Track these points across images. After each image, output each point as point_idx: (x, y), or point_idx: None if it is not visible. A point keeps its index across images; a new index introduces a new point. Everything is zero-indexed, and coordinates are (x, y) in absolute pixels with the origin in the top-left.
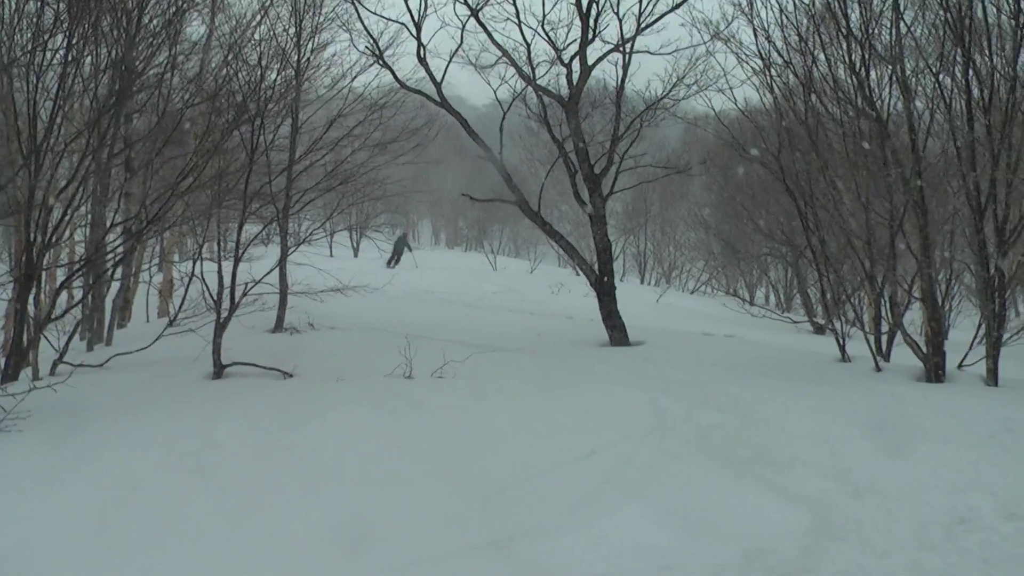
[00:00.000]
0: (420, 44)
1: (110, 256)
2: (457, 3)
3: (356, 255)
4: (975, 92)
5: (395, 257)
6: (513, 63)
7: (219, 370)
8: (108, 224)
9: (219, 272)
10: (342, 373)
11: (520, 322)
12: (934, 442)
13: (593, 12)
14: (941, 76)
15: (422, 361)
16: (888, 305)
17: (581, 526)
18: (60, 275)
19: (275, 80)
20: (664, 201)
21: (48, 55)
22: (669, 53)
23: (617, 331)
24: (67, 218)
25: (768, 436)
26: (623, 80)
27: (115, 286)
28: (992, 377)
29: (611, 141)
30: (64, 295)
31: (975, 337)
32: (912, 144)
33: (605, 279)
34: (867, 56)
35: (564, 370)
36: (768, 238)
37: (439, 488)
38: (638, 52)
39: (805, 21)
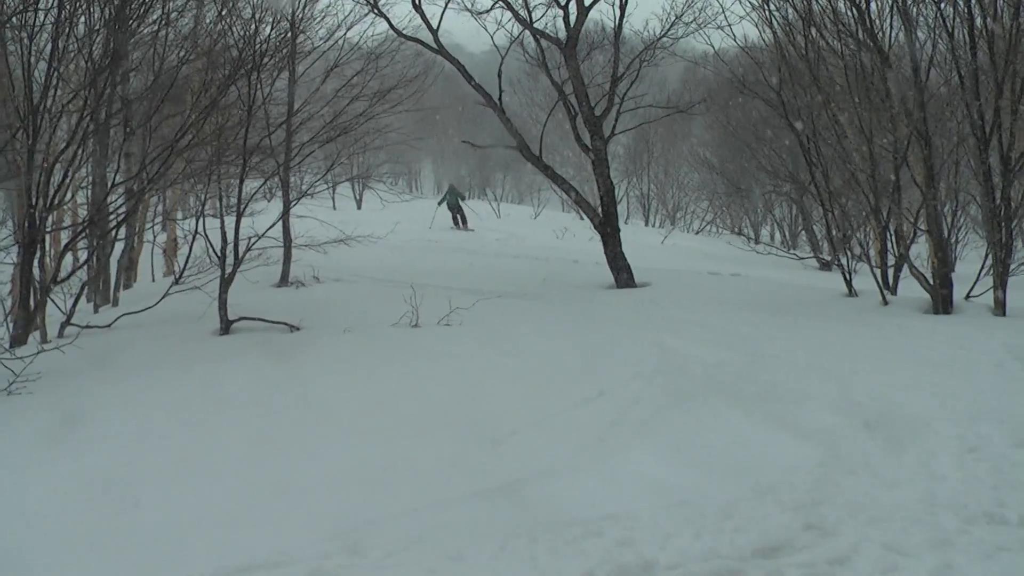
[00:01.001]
0: None
1: (113, 216)
2: None
3: (359, 207)
4: (977, 20)
5: (457, 218)
6: (509, 7)
7: (226, 326)
8: (109, 184)
9: (222, 228)
10: (349, 324)
11: (525, 267)
12: (943, 373)
13: None
14: (943, 5)
15: (428, 309)
16: (894, 238)
17: (592, 466)
18: (64, 237)
19: (270, 34)
20: (666, 142)
21: (40, 15)
22: None
23: (623, 273)
24: (68, 180)
25: (777, 373)
26: (621, 20)
27: (119, 246)
28: (1000, 307)
29: (611, 82)
30: (69, 257)
31: (982, 268)
32: (915, 75)
33: (609, 222)
34: None
35: (570, 313)
36: (772, 175)
37: (449, 434)
38: None
39: None
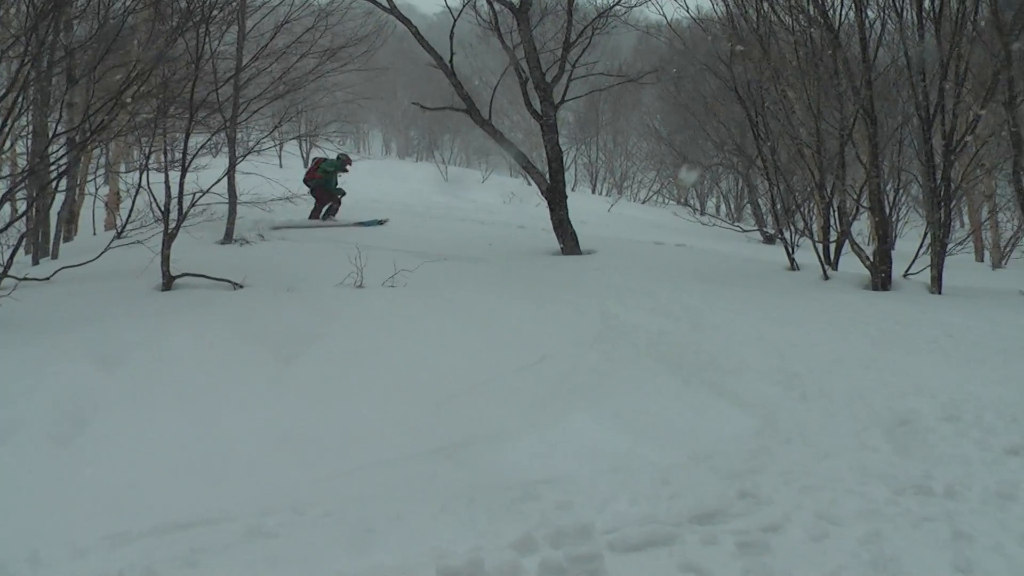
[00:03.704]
0: None
1: (53, 167)
2: None
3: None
4: (926, 2)
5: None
6: None
7: (168, 281)
8: (51, 134)
9: (166, 182)
10: (292, 283)
11: (471, 231)
12: (879, 348)
13: None
14: None
15: (373, 271)
16: (837, 214)
17: (532, 431)
18: (2, 187)
19: None
20: (616, 111)
21: None
22: None
23: (568, 240)
24: (7, 128)
25: (717, 343)
26: None
27: (60, 198)
28: (936, 285)
29: (562, 49)
30: (7, 207)
31: (920, 246)
32: (863, 53)
33: (556, 188)
34: None
35: (515, 278)
36: (719, 148)
37: (391, 396)
38: None
39: None
